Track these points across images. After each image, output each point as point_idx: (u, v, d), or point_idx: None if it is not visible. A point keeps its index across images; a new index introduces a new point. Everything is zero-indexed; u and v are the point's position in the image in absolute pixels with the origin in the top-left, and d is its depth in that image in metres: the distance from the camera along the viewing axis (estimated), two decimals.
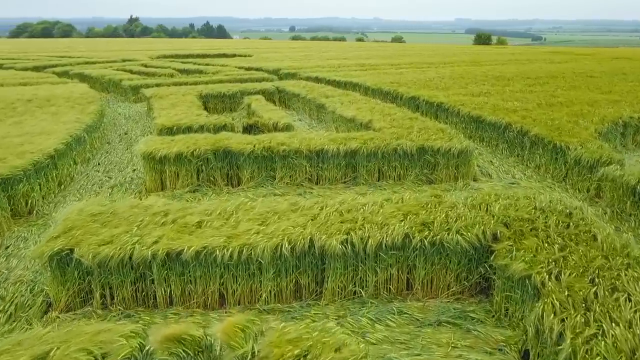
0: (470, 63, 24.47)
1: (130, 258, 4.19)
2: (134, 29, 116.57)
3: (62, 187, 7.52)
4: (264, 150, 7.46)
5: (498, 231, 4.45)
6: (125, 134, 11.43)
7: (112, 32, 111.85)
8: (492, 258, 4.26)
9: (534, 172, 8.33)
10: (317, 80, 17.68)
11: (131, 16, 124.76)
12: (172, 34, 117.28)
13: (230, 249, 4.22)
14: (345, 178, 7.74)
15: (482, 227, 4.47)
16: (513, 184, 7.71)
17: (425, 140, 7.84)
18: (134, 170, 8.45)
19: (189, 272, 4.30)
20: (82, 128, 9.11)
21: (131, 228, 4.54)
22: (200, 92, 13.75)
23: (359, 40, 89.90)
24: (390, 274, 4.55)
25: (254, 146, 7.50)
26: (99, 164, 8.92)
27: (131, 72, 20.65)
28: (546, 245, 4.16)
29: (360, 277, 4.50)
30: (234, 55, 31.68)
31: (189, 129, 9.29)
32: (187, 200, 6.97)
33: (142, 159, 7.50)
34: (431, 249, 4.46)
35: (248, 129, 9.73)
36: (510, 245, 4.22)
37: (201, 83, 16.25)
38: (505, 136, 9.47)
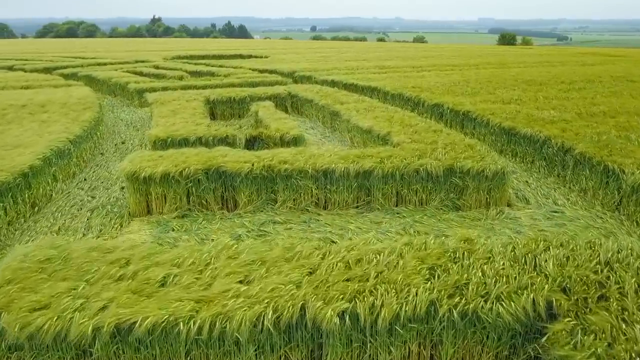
0: (497, 65, 23.12)
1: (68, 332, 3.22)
2: (156, 29, 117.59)
3: (36, 209, 6.63)
4: (263, 169, 6.45)
5: (554, 299, 3.36)
6: (122, 143, 10.56)
7: (135, 32, 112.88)
8: (545, 340, 3.17)
9: (579, 197, 7.14)
10: (333, 83, 16.64)
11: (154, 16, 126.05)
12: (194, 34, 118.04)
13: (199, 321, 3.21)
14: (357, 202, 6.69)
15: (531, 295, 3.38)
16: (555, 212, 6.55)
17: (453, 159, 6.73)
18: (122, 187, 7.53)
19: (146, 348, 3.31)
20: (69, 139, 8.25)
21: (79, 284, 3.57)
22: (207, 97, 12.84)
23: (380, 40, 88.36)
24: (409, 349, 3.49)
25: (253, 165, 6.50)
26: (85, 179, 8.04)
27: (141, 74, 19.95)
28: (623, 325, 3.06)
29: (370, 355, 3.46)
30: (250, 56, 30.86)
31: (185, 142, 8.35)
32: (174, 229, 6.03)
33: (125, 179, 6.56)
34: (463, 321, 3.39)
35: (251, 142, 8.75)
36: (572, 324, 3.13)
37: (210, 87, 15.36)
38: (543, 152, 8.29)
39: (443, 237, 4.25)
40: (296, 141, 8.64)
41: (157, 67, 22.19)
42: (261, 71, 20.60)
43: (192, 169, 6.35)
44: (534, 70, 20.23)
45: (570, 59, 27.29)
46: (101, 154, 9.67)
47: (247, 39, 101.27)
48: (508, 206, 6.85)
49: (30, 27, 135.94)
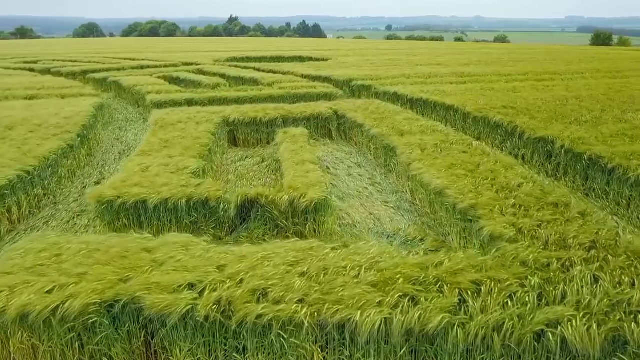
0: (610, 73, 18.44)
1: None
2: (232, 28, 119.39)
3: None
4: (215, 310, 3.23)
5: None
6: (97, 183, 7.77)
7: (212, 31, 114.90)
8: None
9: None
10: (397, 97, 13.15)
11: (231, 16, 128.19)
12: (269, 33, 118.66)
13: None
14: None
15: None
16: None
17: (614, 307, 3.13)
18: None
19: None
20: None
21: None
22: (225, 118, 9.87)
23: (458, 40, 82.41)
24: None
25: (200, 295, 3.29)
26: None
27: (178, 80, 17.52)
28: None
29: None
30: (310, 59, 27.80)
31: (142, 206, 5.33)
32: None
33: None
34: None
35: (247, 208, 5.54)
36: None
37: (242, 100, 12.47)
38: None
39: None
40: (316, 210, 5.34)
41: (198, 72, 19.69)
42: (313, 78, 17.45)
43: (78, 305, 3.23)
44: None
45: None
46: (54, 203, 6.91)
47: (320, 38, 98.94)
48: None
49: (118, 27, 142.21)
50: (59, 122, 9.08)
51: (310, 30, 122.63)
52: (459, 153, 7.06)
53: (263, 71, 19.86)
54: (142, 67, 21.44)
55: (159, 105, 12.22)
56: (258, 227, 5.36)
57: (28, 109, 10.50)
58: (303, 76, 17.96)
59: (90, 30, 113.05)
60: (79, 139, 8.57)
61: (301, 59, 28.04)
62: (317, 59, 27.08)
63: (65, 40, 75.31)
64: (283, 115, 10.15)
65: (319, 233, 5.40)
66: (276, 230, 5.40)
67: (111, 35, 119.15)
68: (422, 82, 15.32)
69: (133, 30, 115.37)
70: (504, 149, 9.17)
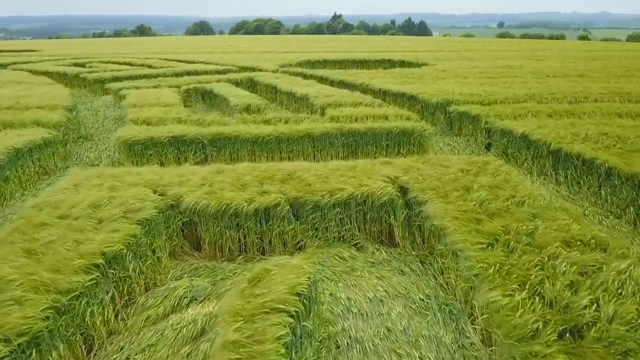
0: None
1: None
2: (336, 25, 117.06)
3: None
4: None
5: None
6: None
7: (315, 28, 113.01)
8: None
9: None
10: (527, 144, 7.44)
11: (335, 13, 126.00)
12: (372, 30, 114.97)
13: None
14: None
15: None
16: None
17: None
18: None
19: None
20: None
21: None
22: (176, 200, 4.97)
23: (582, 38, 70.40)
24: None
25: None
26: None
27: (211, 93, 13.13)
28: None
29: None
30: (401, 63, 22.23)
31: None
32: None
33: None
34: None
35: None
36: None
37: (259, 142, 7.61)
38: None
39: None
40: None
41: (248, 81, 15.16)
42: (394, 95, 12.07)
43: None
44: None
45: None
46: None
47: (425, 36, 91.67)
48: None
49: (229, 25, 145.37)
50: None
51: (415, 28, 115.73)
52: None
53: (331, 82, 14.83)
54: (188, 73, 17.38)
55: (130, 145, 7.72)
56: None
57: None
58: (380, 92, 12.62)
59: (201, 28, 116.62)
60: None
61: (390, 63, 22.56)
62: (410, 64, 21.45)
63: (153, 38, 75.57)
64: (295, 196, 4.99)
65: None
66: None
67: (220, 33, 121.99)
68: (567, 113, 9.30)
69: (240, 28, 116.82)
70: None
